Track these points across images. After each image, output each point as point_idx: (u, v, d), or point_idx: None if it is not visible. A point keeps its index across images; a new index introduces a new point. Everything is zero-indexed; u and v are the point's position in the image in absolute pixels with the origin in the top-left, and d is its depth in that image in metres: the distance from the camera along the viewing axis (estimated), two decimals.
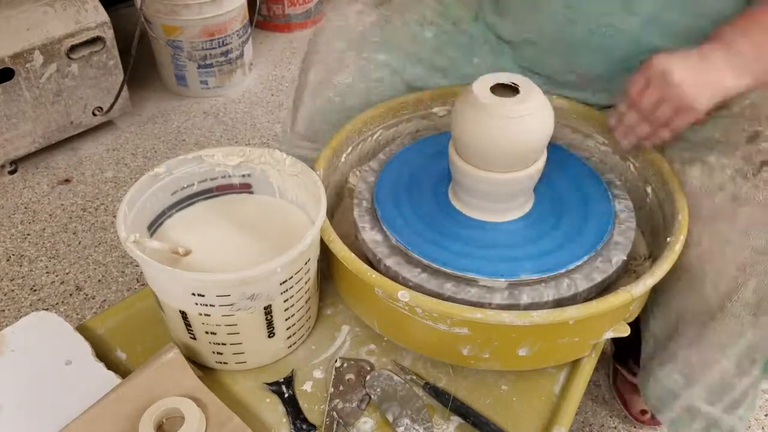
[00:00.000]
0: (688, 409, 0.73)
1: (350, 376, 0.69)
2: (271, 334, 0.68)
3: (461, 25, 0.88)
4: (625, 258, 0.70)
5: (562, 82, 0.85)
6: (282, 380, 0.69)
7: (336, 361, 0.71)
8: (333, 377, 0.69)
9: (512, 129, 0.65)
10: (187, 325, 0.66)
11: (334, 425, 0.65)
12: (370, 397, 0.67)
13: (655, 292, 0.75)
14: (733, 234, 0.67)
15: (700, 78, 0.66)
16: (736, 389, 0.71)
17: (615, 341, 0.76)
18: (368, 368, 0.70)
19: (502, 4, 0.85)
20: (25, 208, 1.43)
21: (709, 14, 0.72)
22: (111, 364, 0.69)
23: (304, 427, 0.65)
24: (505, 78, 0.68)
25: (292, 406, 0.67)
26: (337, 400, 0.67)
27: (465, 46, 0.89)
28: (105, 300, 1.23)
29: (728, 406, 0.72)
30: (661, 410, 0.75)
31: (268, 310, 0.65)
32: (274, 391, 0.69)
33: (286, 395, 0.68)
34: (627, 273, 0.75)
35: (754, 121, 0.69)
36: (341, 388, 0.68)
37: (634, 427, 1.04)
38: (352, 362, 0.70)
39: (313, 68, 0.87)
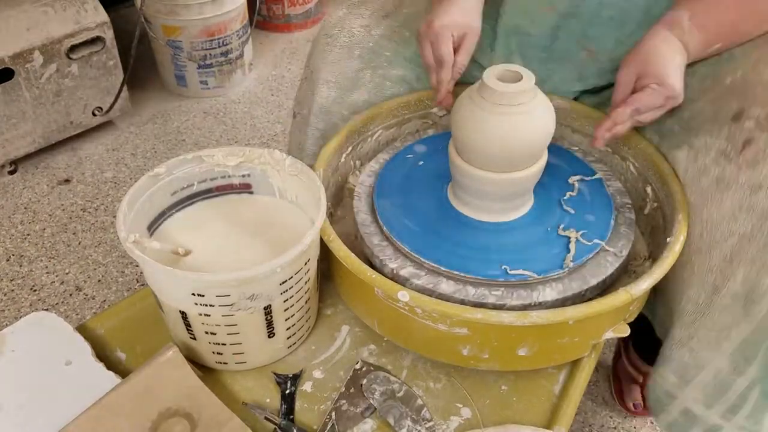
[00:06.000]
0: (685, 412, 0.72)
1: (364, 381, 0.69)
2: (271, 334, 0.68)
3: None
4: (625, 258, 0.70)
5: (573, 61, 0.83)
6: (291, 375, 0.69)
7: (358, 362, 0.70)
8: (349, 377, 0.69)
9: (512, 129, 0.65)
10: (187, 325, 0.66)
11: (333, 425, 0.65)
12: (374, 408, 0.66)
13: (656, 294, 0.75)
14: (721, 220, 0.64)
15: (680, 72, 0.70)
16: (731, 390, 0.69)
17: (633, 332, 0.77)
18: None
19: None
20: (25, 208, 1.43)
21: None
22: (111, 364, 0.69)
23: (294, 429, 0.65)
24: (505, 73, 0.68)
25: (288, 404, 0.67)
26: (344, 401, 0.67)
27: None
28: (105, 300, 1.23)
29: (726, 410, 0.69)
30: (658, 413, 0.74)
31: (268, 310, 0.65)
32: (279, 383, 0.69)
33: (288, 392, 0.68)
34: (627, 273, 0.75)
35: (741, 97, 0.67)
36: (352, 390, 0.68)
37: (634, 428, 1.04)
38: (371, 368, 0.70)
39: (323, 87, 0.86)
